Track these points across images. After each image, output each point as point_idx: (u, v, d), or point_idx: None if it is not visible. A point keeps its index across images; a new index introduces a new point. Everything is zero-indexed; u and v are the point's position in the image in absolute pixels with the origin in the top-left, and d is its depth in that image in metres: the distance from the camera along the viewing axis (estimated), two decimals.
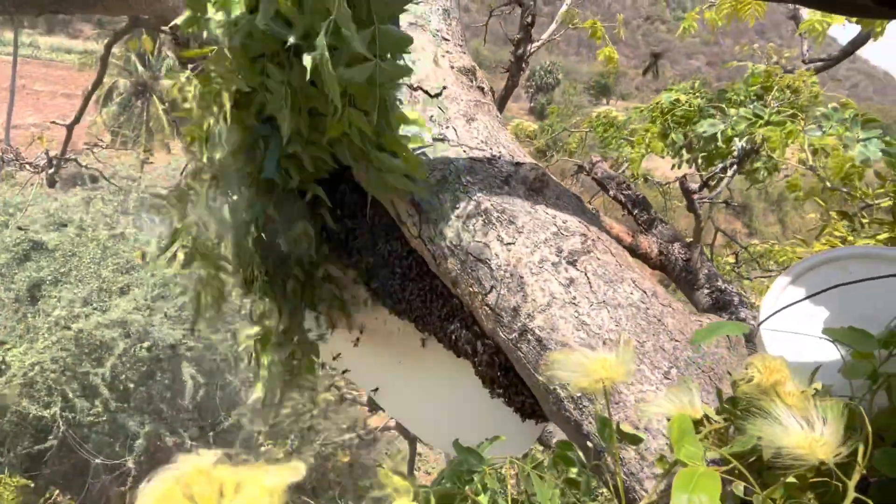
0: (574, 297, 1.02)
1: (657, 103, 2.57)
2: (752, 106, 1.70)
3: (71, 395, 9.83)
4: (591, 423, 0.99)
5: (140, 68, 29.85)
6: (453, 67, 1.33)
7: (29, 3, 1.45)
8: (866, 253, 0.90)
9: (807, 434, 0.57)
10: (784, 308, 0.93)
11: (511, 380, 1.15)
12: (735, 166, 2.43)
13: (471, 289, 1.12)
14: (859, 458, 0.66)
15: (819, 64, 4.09)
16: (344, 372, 1.54)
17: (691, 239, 2.65)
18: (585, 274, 1.03)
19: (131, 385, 11.93)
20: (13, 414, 9.99)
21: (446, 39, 1.41)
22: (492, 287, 1.08)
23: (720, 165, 2.47)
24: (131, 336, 11.41)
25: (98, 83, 2.30)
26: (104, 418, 10.65)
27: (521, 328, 1.05)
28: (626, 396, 0.94)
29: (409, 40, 0.97)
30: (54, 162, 2.48)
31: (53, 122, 2.42)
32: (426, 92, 1.29)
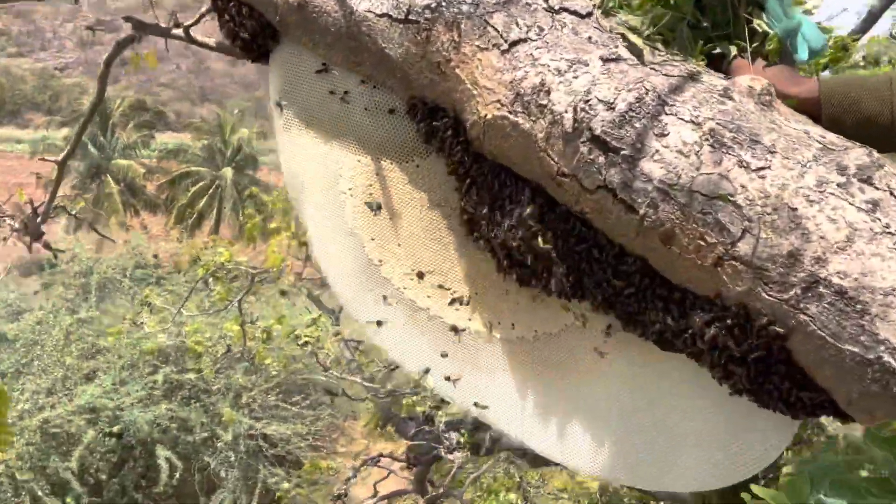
0: (888, 225, 0.72)
1: None
2: None
3: (40, 493, 9.00)
4: None
5: (93, 149, 29.35)
6: None
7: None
8: None
9: None
10: None
11: (770, 363, 0.83)
12: None
13: (703, 241, 0.81)
14: None
15: None
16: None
17: None
18: (892, 193, 0.74)
19: (103, 477, 11.09)
20: None
21: None
22: (743, 231, 0.78)
23: None
24: (99, 423, 10.64)
25: (97, 104, 1.97)
26: None
27: (807, 280, 0.74)
28: None
29: None
30: (39, 211, 2.10)
31: (43, 159, 2.07)
32: (574, 13, 1.01)
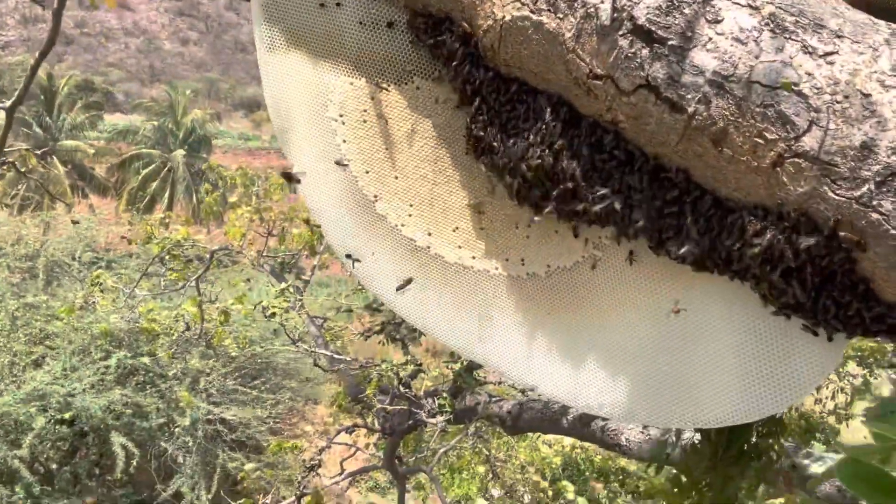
0: None
1: None
2: None
3: None
4: None
5: (38, 130, 28.16)
6: None
7: None
8: None
9: None
10: None
11: (831, 274, 0.75)
12: None
13: (761, 138, 0.73)
14: None
15: None
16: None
17: None
18: None
19: (54, 465, 10.73)
20: None
21: None
22: (810, 123, 0.70)
23: None
24: (50, 410, 10.23)
25: (51, 45, 1.79)
26: None
27: (882, 173, 0.67)
28: None
29: None
30: None
31: None
32: None
